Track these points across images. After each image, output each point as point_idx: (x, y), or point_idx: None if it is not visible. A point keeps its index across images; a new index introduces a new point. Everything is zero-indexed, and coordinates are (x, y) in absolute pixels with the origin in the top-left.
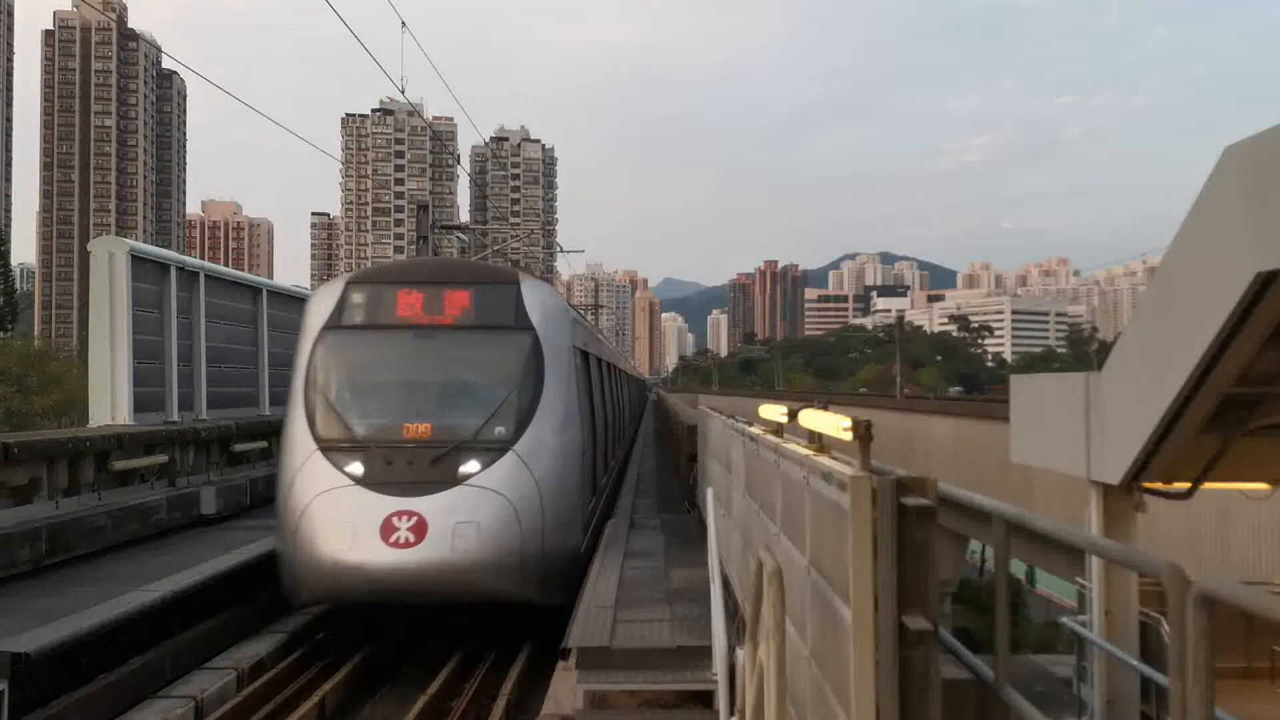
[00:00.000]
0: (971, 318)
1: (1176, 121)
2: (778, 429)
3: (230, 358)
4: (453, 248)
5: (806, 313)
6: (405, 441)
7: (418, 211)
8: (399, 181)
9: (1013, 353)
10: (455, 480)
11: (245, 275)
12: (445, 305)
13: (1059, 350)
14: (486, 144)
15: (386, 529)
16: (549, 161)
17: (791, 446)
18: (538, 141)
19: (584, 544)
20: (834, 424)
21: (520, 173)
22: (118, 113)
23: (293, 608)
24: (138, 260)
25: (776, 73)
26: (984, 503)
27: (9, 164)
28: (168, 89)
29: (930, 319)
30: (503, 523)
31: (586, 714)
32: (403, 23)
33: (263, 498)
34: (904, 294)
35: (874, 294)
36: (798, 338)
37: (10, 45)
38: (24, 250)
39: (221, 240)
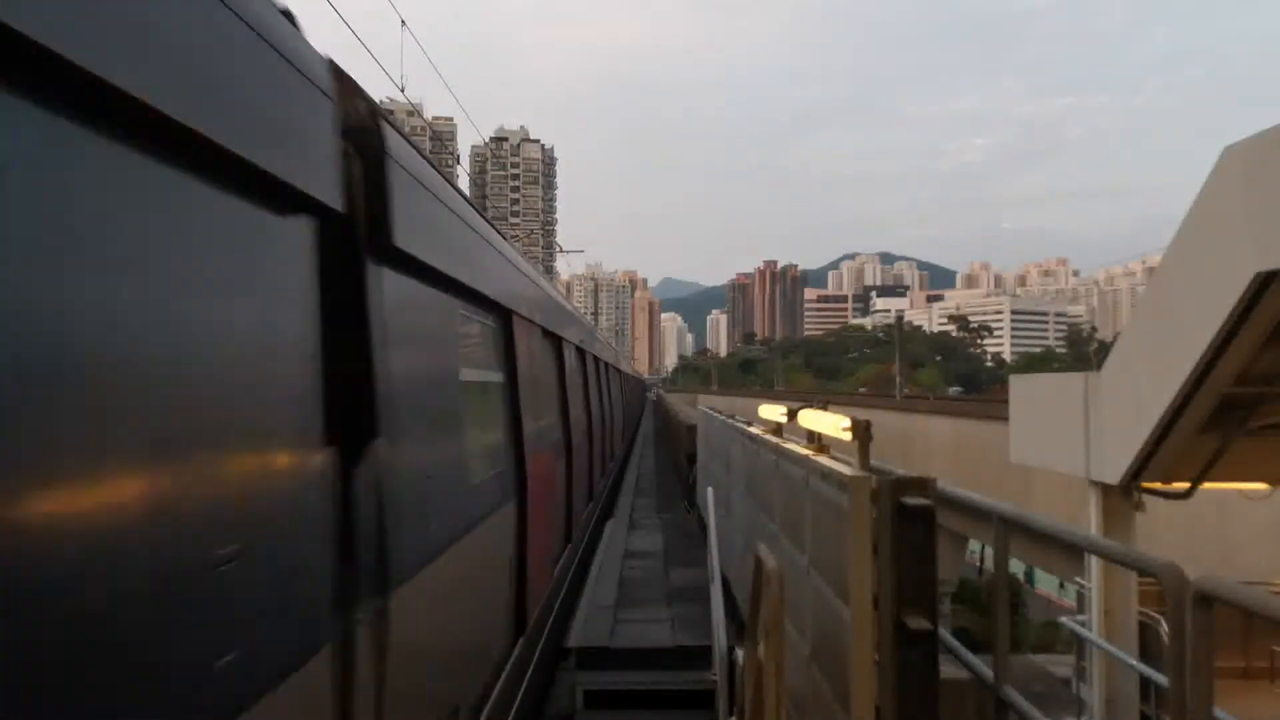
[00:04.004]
0: (971, 318)
1: (1176, 121)
2: (777, 429)
3: None
4: None
5: (806, 313)
6: None
7: None
8: None
9: (1012, 353)
10: None
11: None
12: None
13: (1058, 350)
14: (486, 144)
15: None
16: (549, 161)
17: (791, 446)
18: (537, 141)
19: None
20: (833, 424)
21: (520, 173)
22: None
23: None
24: None
25: (777, 73)
26: (983, 502)
27: None
28: None
29: (930, 319)
30: None
31: (586, 714)
32: (403, 21)
33: None
34: (903, 294)
35: (873, 294)
36: (797, 338)
37: None
38: None
39: None
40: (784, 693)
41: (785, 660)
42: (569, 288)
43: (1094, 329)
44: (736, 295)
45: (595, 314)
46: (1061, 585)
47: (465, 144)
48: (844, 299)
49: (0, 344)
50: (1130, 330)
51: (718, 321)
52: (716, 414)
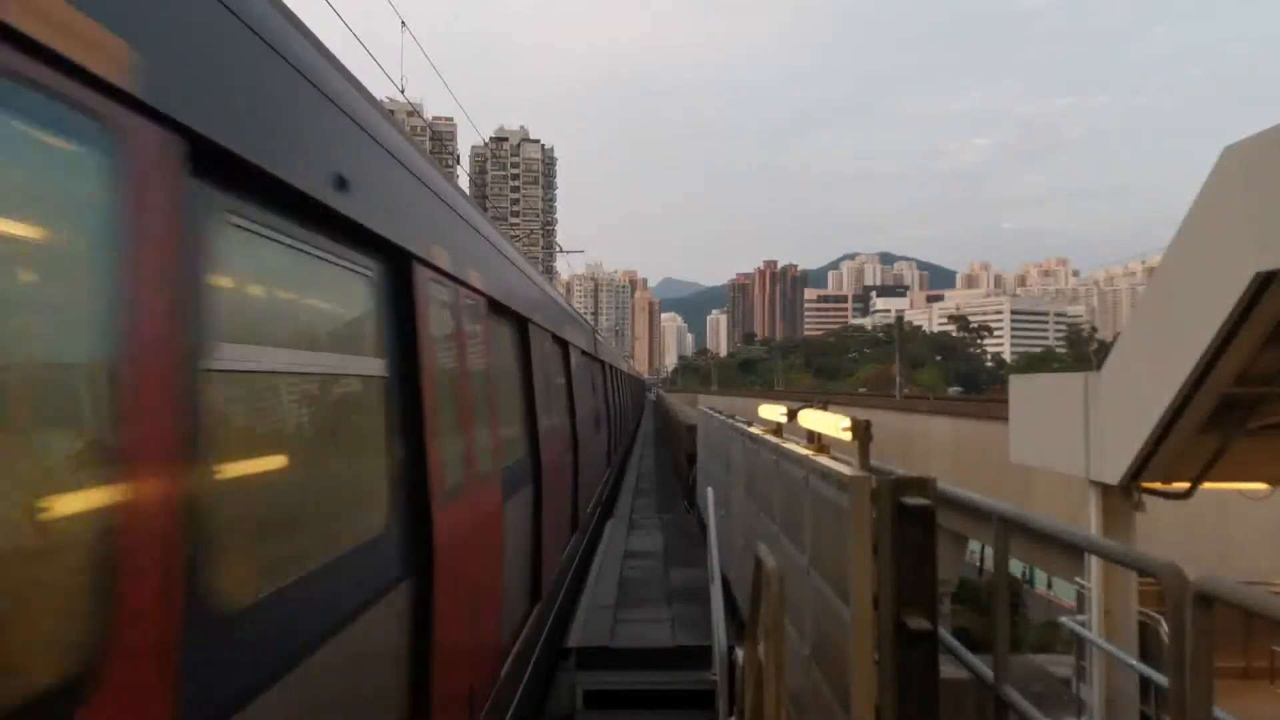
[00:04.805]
0: (971, 318)
1: (1177, 121)
2: (777, 429)
3: None
4: None
5: (806, 313)
6: None
7: None
8: None
9: (1012, 353)
10: None
11: None
12: None
13: (1058, 350)
14: (486, 144)
15: None
16: (549, 161)
17: (791, 446)
18: (538, 141)
19: None
20: (833, 424)
21: (520, 173)
22: None
23: None
24: None
25: (777, 73)
26: (983, 502)
27: None
28: None
29: (930, 319)
30: None
31: (586, 714)
32: (403, 23)
33: None
34: (903, 294)
35: (873, 294)
36: (797, 338)
37: None
38: None
39: None
40: (784, 693)
41: (785, 660)
42: (569, 288)
43: (1094, 329)
44: (736, 295)
45: (595, 314)
46: (1050, 584)
47: (465, 144)
48: (844, 299)
49: None
50: (1130, 330)
51: (718, 321)
52: (716, 414)
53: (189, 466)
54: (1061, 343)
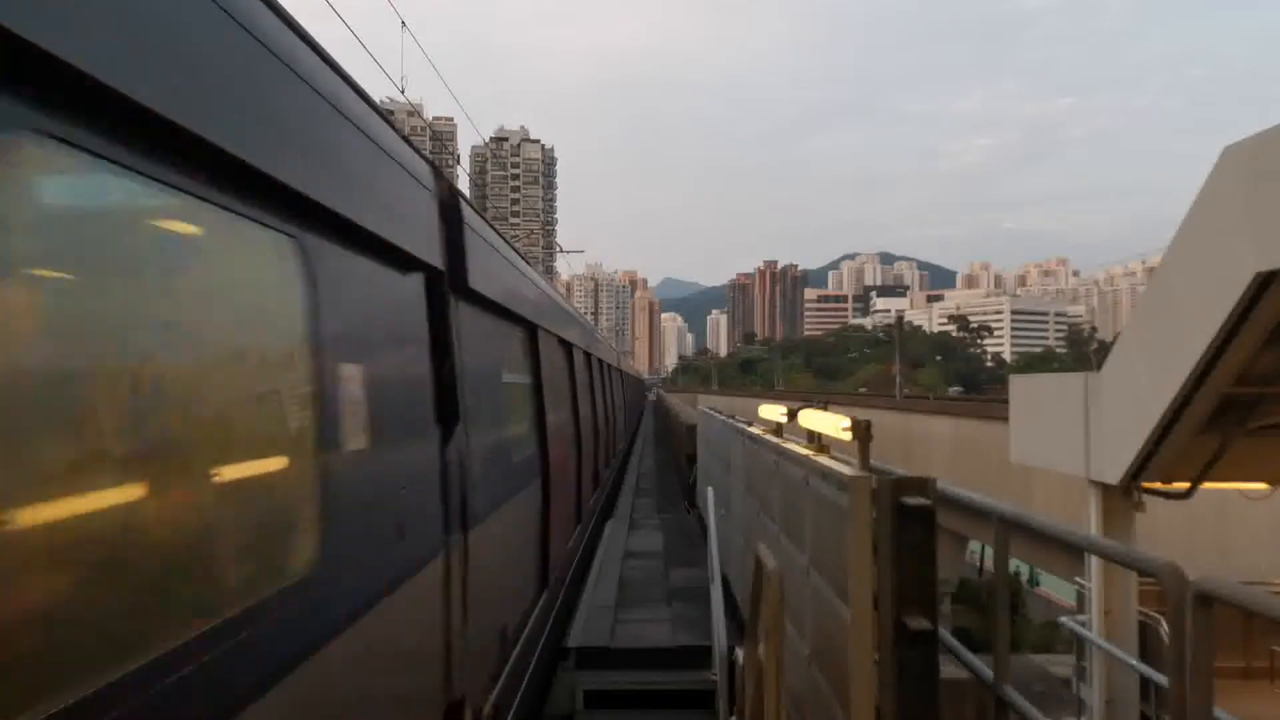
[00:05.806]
0: (971, 318)
1: (1177, 121)
2: (777, 429)
3: None
4: None
5: (806, 313)
6: None
7: None
8: None
9: (1012, 353)
10: None
11: None
12: None
13: (1058, 350)
14: (486, 144)
15: None
16: (549, 161)
17: (791, 446)
18: (538, 141)
19: None
20: (833, 424)
21: (520, 173)
22: None
23: None
24: None
25: (777, 73)
26: (983, 502)
27: None
28: None
29: (930, 319)
30: None
31: (586, 714)
32: (403, 23)
33: None
34: (903, 294)
35: (873, 294)
36: (797, 338)
37: None
38: None
39: None
40: (784, 693)
41: (785, 660)
42: (569, 288)
43: (1094, 329)
44: (736, 295)
45: (595, 314)
46: (1035, 581)
47: (465, 144)
48: (844, 299)
49: None
50: (1130, 330)
51: (718, 321)
52: (716, 414)
53: None
54: (1061, 343)
